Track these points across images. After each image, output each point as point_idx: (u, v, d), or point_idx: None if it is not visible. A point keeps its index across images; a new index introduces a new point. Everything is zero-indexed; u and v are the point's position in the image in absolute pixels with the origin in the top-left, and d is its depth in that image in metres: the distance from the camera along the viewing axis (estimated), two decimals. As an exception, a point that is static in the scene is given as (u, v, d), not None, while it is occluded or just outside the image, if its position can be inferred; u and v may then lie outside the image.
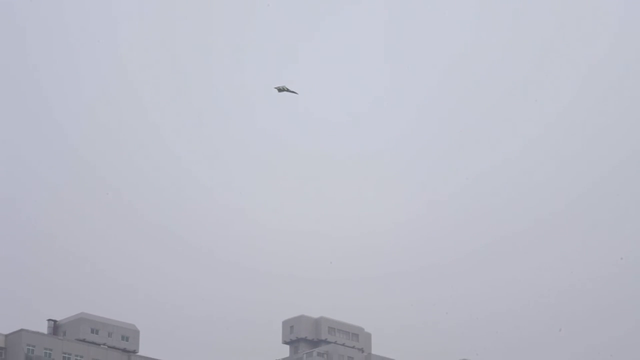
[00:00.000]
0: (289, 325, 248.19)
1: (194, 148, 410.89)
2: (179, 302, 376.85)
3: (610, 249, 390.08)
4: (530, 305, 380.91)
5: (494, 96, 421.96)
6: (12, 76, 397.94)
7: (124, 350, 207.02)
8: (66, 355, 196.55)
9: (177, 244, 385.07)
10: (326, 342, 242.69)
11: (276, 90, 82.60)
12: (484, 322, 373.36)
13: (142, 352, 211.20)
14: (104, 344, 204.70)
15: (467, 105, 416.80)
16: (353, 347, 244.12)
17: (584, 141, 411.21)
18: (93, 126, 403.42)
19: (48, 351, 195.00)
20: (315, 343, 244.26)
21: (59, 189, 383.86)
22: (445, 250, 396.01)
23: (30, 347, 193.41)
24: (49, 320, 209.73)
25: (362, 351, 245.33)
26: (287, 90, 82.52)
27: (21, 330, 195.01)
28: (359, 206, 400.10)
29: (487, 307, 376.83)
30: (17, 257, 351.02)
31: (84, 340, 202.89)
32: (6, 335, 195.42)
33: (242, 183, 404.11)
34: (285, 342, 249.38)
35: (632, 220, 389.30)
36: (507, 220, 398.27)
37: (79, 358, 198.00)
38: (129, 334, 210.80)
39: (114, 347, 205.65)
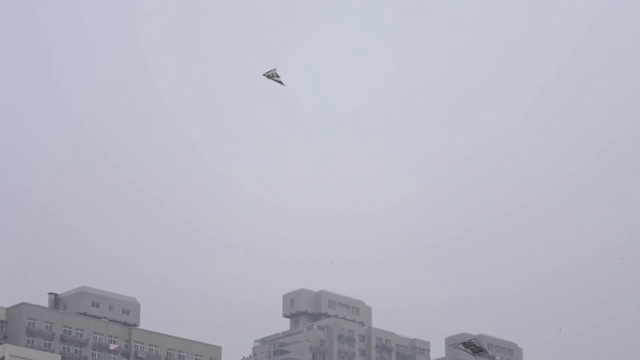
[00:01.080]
0: (290, 299, 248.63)
1: (204, 129, 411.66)
2: (180, 276, 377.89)
3: (608, 227, 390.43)
4: (529, 284, 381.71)
5: (478, 79, 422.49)
6: (24, 50, 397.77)
7: (125, 324, 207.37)
8: (67, 329, 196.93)
9: (177, 222, 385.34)
10: (326, 315, 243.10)
11: (265, 77, 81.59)
12: (483, 299, 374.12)
13: (142, 325, 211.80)
14: (105, 318, 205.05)
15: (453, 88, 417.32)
16: (353, 321, 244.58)
17: (573, 119, 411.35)
18: (102, 103, 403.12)
19: (49, 324, 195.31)
20: (316, 316, 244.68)
21: (62, 163, 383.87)
22: (444, 228, 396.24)
23: (31, 321, 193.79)
24: (49, 293, 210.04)
25: (363, 324, 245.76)
26: (275, 78, 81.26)
27: (22, 303, 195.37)
28: (359, 186, 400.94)
29: (486, 285, 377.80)
30: (17, 230, 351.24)
31: (84, 314, 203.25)
32: (7, 309, 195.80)
33: (246, 163, 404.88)
34: (285, 316, 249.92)
35: (616, 204, 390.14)
36: (501, 201, 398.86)
37: (79, 331, 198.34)
38: (130, 308, 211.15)
39: (114, 321, 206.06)
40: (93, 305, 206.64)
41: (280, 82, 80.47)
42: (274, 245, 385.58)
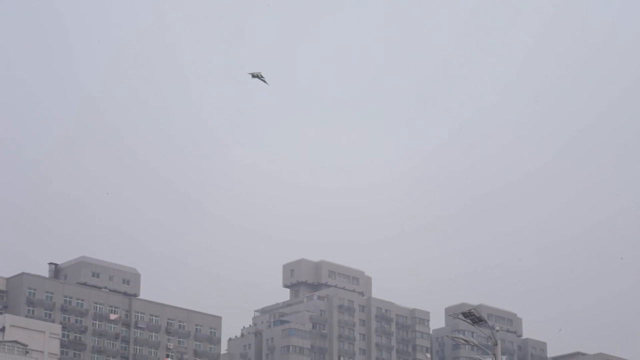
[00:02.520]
0: (290, 269, 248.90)
1: (214, 104, 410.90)
2: (180, 247, 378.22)
3: (606, 197, 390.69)
4: (530, 256, 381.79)
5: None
6: (37, 18, 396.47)
7: (125, 294, 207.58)
8: (67, 299, 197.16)
9: (177, 194, 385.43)
10: (326, 285, 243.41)
11: (250, 76, 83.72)
12: (484, 270, 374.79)
13: (143, 295, 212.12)
14: (105, 288, 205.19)
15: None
16: (353, 291, 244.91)
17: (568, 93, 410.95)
18: (112, 75, 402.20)
19: (49, 295, 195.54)
20: (316, 287, 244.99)
21: (67, 135, 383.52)
22: (444, 203, 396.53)
23: (32, 291, 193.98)
24: (49, 263, 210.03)
25: (363, 295, 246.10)
26: (261, 77, 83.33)
27: (22, 273, 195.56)
28: (358, 159, 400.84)
29: (486, 259, 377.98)
30: (18, 201, 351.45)
31: (84, 284, 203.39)
32: (7, 279, 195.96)
33: (245, 135, 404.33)
34: (285, 286, 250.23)
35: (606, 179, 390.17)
36: (502, 171, 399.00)
37: (80, 301, 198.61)
38: (130, 278, 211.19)
39: (115, 291, 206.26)
40: (93, 275, 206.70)
41: (265, 81, 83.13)
42: (274, 217, 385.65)
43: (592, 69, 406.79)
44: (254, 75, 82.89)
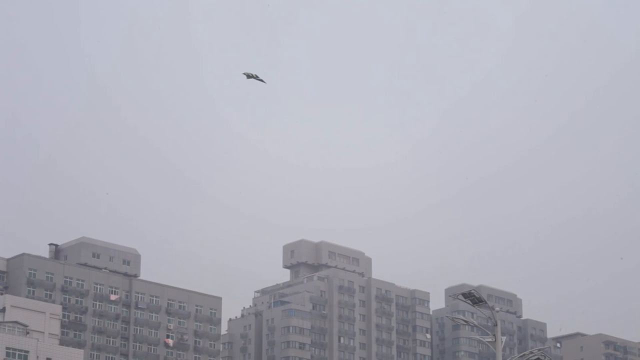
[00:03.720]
0: (290, 250, 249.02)
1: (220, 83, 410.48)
2: (180, 228, 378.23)
3: (606, 179, 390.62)
4: (530, 238, 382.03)
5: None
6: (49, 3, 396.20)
7: (125, 275, 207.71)
8: (67, 279, 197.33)
9: (177, 177, 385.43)
10: (326, 266, 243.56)
11: (245, 77, 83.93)
12: (484, 252, 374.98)
13: (143, 276, 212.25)
14: (105, 268, 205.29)
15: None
16: (353, 272, 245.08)
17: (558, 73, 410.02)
18: (123, 55, 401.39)
19: (49, 275, 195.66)
20: (316, 267, 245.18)
21: (70, 116, 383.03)
22: (445, 184, 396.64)
23: (32, 271, 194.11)
24: (50, 244, 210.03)
25: (363, 275, 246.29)
26: (256, 77, 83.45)
27: (23, 254, 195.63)
28: (358, 140, 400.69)
29: (487, 240, 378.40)
30: (18, 181, 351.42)
31: (85, 265, 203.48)
32: (8, 260, 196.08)
33: (248, 117, 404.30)
34: (285, 267, 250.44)
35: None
36: (499, 154, 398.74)
37: (80, 282, 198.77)
38: (130, 258, 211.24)
39: (115, 271, 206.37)
40: (93, 256, 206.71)
41: (261, 80, 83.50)
42: (274, 198, 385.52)
43: (585, 47, 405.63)
44: (249, 76, 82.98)
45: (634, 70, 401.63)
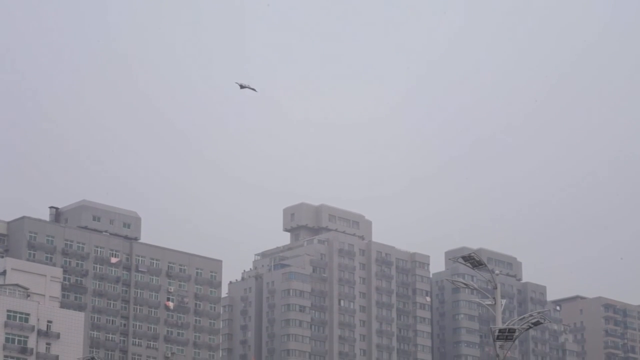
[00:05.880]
0: (290, 213, 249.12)
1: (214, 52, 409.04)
2: (180, 191, 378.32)
3: (604, 144, 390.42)
4: (529, 203, 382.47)
5: None
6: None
7: (126, 237, 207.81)
8: (68, 242, 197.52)
9: (177, 137, 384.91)
10: (327, 229, 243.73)
11: (239, 86, 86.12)
12: (484, 217, 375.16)
13: (143, 239, 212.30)
14: (106, 231, 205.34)
15: None
16: (353, 235, 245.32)
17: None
18: (137, 22, 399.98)
19: (50, 238, 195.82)
20: (316, 230, 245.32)
21: (76, 78, 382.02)
22: (445, 146, 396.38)
23: (33, 234, 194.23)
24: (50, 207, 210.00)
25: (363, 239, 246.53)
26: (250, 88, 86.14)
27: (23, 217, 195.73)
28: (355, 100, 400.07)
29: (488, 204, 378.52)
30: (19, 144, 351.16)
31: (85, 228, 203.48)
32: (8, 223, 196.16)
33: (246, 78, 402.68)
34: (286, 230, 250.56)
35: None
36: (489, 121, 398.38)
37: (80, 245, 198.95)
38: (131, 221, 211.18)
39: (115, 234, 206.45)
40: (94, 219, 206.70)
41: (253, 89, 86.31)
42: (274, 160, 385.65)
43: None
44: (242, 86, 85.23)
45: None
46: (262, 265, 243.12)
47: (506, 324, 54.48)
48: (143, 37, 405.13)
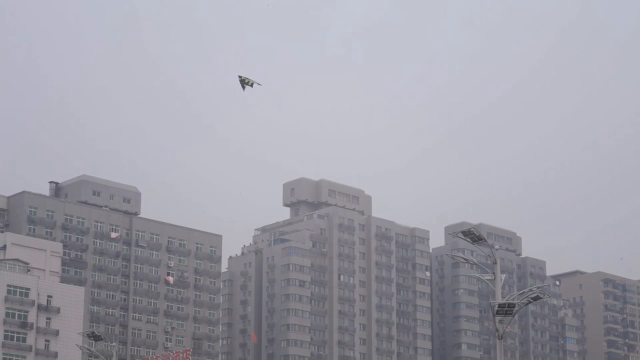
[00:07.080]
0: (290, 188, 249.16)
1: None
2: (180, 166, 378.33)
3: (600, 118, 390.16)
4: (529, 179, 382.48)
5: None
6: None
7: (126, 212, 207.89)
8: (68, 217, 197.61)
9: (177, 111, 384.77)
10: (326, 204, 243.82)
11: (241, 81, 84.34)
12: (484, 193, 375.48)
13: (143, 214, 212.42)
14: (106, 206, 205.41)
15: None
16: (353, 210, 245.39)
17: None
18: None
19: (50, 213, 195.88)
20: (316, 205, 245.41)
21: (83, 50, 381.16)
22: (444, 120, 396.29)
23: (32, 209, 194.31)
24: (50, 182, 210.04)
25: (363, 214, 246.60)
26: (251, 84, 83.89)
27: (23, 192, 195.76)
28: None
29: (489, 181, 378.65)
30: (18, 119, 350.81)
31: (85, 202, 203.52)
32: (8, 197, 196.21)
33: (245, 48, 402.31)
34: (285, 205, 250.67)
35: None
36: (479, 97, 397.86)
37: (80, 220, 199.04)
38: (131, 196, 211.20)
39: (115, 209, 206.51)
40: (94, 193, 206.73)
41: (257, 83, 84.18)
42: (274, 135, 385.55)
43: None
44: (244, 82, 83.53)
45: None
46: (262, 240, 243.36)
47: (506, 298, 54.51)
48: (151, 9, 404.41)
